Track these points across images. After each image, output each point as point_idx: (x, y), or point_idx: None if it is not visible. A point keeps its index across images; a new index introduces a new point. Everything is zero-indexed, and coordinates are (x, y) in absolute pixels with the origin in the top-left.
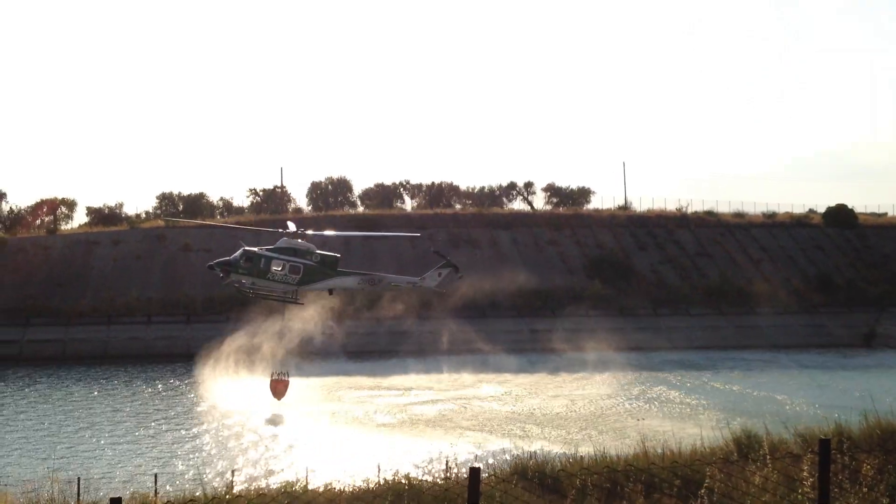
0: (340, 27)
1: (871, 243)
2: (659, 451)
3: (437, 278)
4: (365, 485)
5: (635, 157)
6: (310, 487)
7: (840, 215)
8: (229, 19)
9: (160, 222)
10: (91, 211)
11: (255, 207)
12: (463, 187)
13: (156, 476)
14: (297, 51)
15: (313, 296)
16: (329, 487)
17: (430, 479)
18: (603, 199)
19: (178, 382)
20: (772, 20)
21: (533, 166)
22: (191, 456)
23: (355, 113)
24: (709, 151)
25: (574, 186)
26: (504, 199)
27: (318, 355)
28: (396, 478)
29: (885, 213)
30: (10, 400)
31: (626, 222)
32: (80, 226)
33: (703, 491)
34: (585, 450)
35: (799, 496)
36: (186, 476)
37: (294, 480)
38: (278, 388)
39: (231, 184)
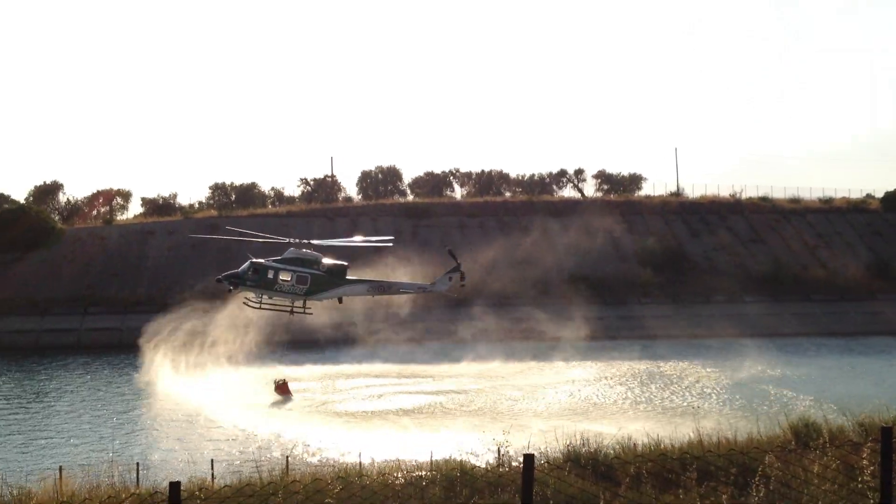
0: (391, 16)
1: None
2: (714, 438)
3: (447, 283)
4: (418, 471)
5: (687, 143)
6: (364, 473)
7: None
8: (282, 11)
9: (213, 212)
10: (146, 202)
11: (305, 197)
12: (513, 175)
13: (212, 461)
14: (348, 41)
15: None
16: (383, 473)
17: (483, 465)
18: (654, 186)
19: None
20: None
21: (583, 153)
22: (248, 441)
23: (405, 102)
24: (762, 134)
25: (625, 173)
26: (554, 187)
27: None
28: (449, 464)
29: None
30: (72, 386)
31: (679, 209)
32: (136, 216)
33: (758, 479)
34: (639, 437)
35: (859, 485)
36: (241, 461)
37: (349, 466)
38: (282, 389)
39: (282, 173)
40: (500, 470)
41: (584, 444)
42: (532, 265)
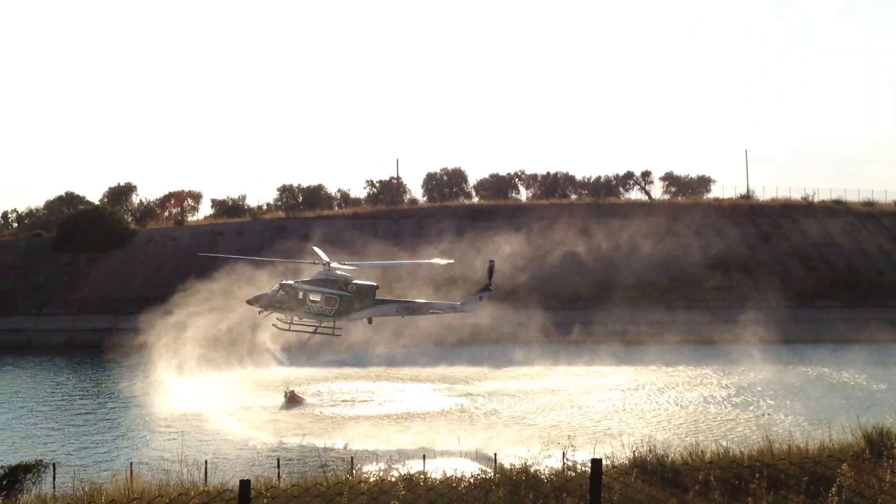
0: (457, 18)
1: None
2: (784, 446)
3: (478, 302)
4: (482, 475)
5: (758, 145)
6: (429, 476)
7: None
8: (347, 14)
9: (281, 213)
10: (216, 203)
11: (371, 198)
12: (578, 177)
13: (279, 460)
14: (414, 43)
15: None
16: (447, 477)
17: (548, 469)
18: (724, 189)
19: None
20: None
21: (650, 155)
22: (313, 441)
23: (471, 104)
24: (832, 134)
25: (693, 175)
26: (621, 189)
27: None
28: (514, 469)
29: None
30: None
31: (749, 212)
32: (206, 217)
33: (833, 489)
34: (707, 444)
35: None
36: (308, 461)
37: (413, 468)
38: (294, 399)
39: (349, 175)
40: (567, 474)
41: (650, 451)
42: (598, 268)
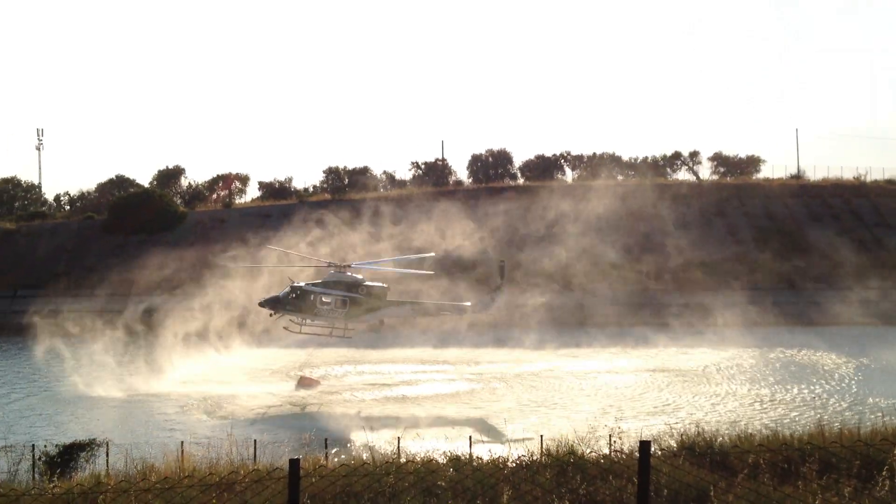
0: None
1: None
2: (836, 429)
3: (490, 303)
4: (528, 456)
5: (809, 124)
6: (475, 457)
7: None
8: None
9: (327, 196)
10: (262, 185)
11: (417, 180)
12: (625, 158)
13: (326, 440)
14: (459, 25)
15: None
16: (494, 458)
17: (594, 452)
18: (774, 168)
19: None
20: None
21: (699, 134)
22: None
23: (516, 84)
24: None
25: (742, 155)
26: (668, 170)
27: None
28: (560, 450)
29: None
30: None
31: (799, 192)
32: (253, 200)
33: (885, 472)
34: (756, 428)
35: None
36: (357, 441)
37: (459, 449)
38: (306, 382)
39: (394, 157)
40: (613, 456)
41: (699, 434)
42: (645, 250)
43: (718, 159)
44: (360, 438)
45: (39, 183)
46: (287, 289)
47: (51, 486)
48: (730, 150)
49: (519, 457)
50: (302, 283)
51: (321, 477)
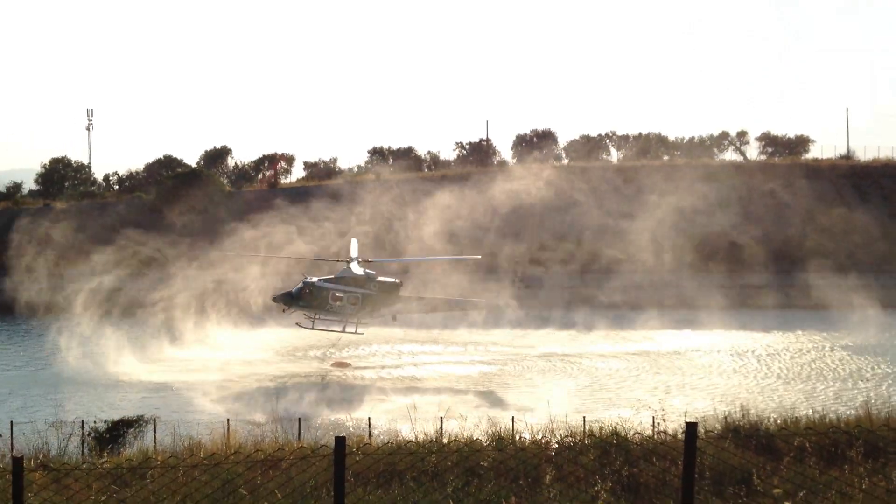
0: None
1: None
2: (883, 413)
3: (502, 300)
4: (571, 437)
5: (860, 103)
6: (518, 437)
7: None
8: None
9: (371, 176)
10: (308, 165)
11: (461, 160)
12: (671, 137)
13: (369, 420)
14: (504, 5)
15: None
16: (537, 439)
17: (637, 433)
18: (823, 149)
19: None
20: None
21: (746, 114)
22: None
23: (561, 63)
24: None
25: (791, 135)
26: (715, 150)
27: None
28: (603, 431)
29: None
30: None
31: (849, 172)
32: (298, 180)
33: None
34: (802, 411)
35: None
36: (399, 421)
37: (503, 429)
38: (340, 363)
39: (438, 137)
40: (657, 438)
41: (744, 416)
42: (691, 231)
43: (766, 139)
44: (402, 418)
45: (89, 163)
46: (300, 284)
47: (101, 461)
48: (778, 130)
49: (562, 437)
50: (314, 279)
51: (365, 455)
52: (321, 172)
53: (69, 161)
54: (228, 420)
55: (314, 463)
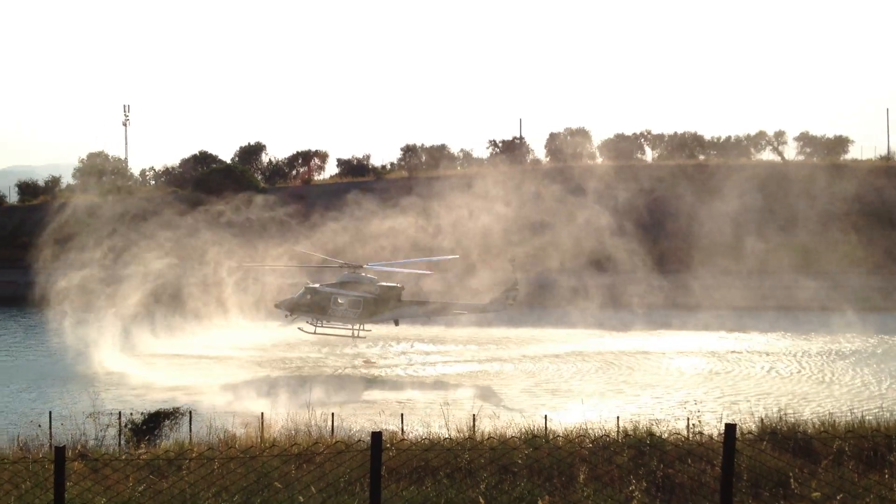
0: None
1: None
2: None
3: (503, 303)
4: (606, 437)
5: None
6: (552, 435)
7: None
8: None
9: (404, 173)
10: (341, 162)
11: (493, 159)
12: (707, 137)
13: (402, 416)
14: (538, 4)
15: None
16: (570, 438)
17: (673, 434)
18: (863, 150)
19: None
20: None
21: (784, 113)
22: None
23: (596, 62)
24: None
25: (830, 135)
26: (752, 150)
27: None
28: (638, 431)
29: None
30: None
31: (890, 173)
32: (331, 177)
33: None
34: (841, 415)
35: None
36: (432, 417)
37: (535, 427)
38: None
39: (471, 135)
40: (693, 439)
41: (781, 418)
42: (727, 231)
43: (805, 139)
44: (435, 414)
45: (126, 158)
46: (302, 290)
47: (138, 452)
48: (817, 130)
49: (596, 437)
50: (316, 285)
51: (401, 451)
52: (354, 169)
53: (106, 156)
54: (262, 413)
55: (347, 458)
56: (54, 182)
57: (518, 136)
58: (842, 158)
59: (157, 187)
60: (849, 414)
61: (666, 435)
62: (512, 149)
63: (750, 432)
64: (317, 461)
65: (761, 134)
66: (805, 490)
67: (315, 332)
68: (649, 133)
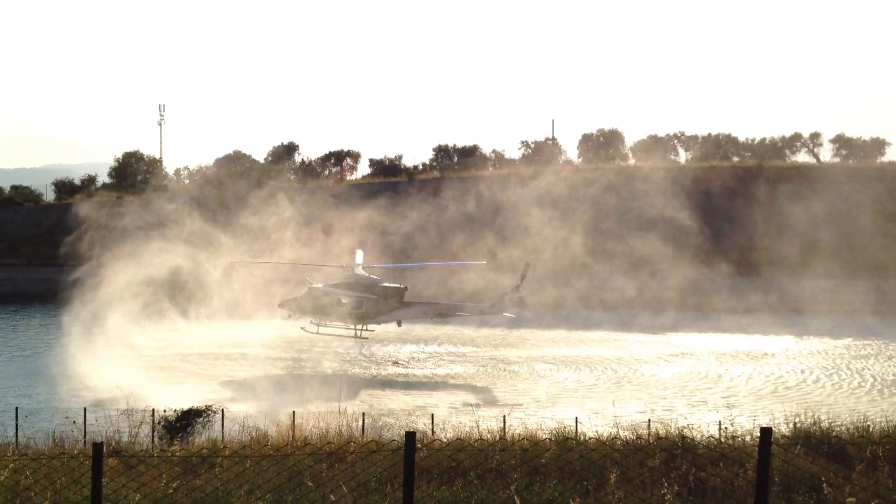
0: None
1: None
2: None
3: (506, 304)
4: (637, 440)
5: None
6: (583, 438)
7: None
8: None
9: (436, 173)
10: (373, 162)
11: (525, 159)
12: (742, 138)
13: (432, 416)
14: (571, 5)
15: None
16: (602, 441)
17: (705, 437)
18: None
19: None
20: None
21: (820, 115)
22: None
23: (628, 62)
24: None
25: (866, 137)
26: (787, 152)
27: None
28: (669, 434)
29: None
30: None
31: None
32: (363, 177)
33: None
34: (876, 420)
35: None
36: (463, 417)
37: (566, 429)
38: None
39: (503, 136)
40: (725, 443)
41: (814, 423)
42: (762, 235)
43: (840, 141)
44: (466, 414)
45: (160, 157)
46: (304, 290)
47: (172, 449)
48: (853, 132)
49: (626, 439)
50: (319, 285)
51: (433, 451)
52: (386, 169)
53: (141, 155)
54: (294, 412)
55: (379, 458)
56: (90, 181)
57: (550, 136)
58: (878, 160)
59: (192, 186)
60: (884, 420)
61: (701, 437)
62: (544, 149)
63: (784, 436)
64: (348, 460)
65: (796, 136)
66: (839, 495)
67: (318, 332)
68: (683, 134)
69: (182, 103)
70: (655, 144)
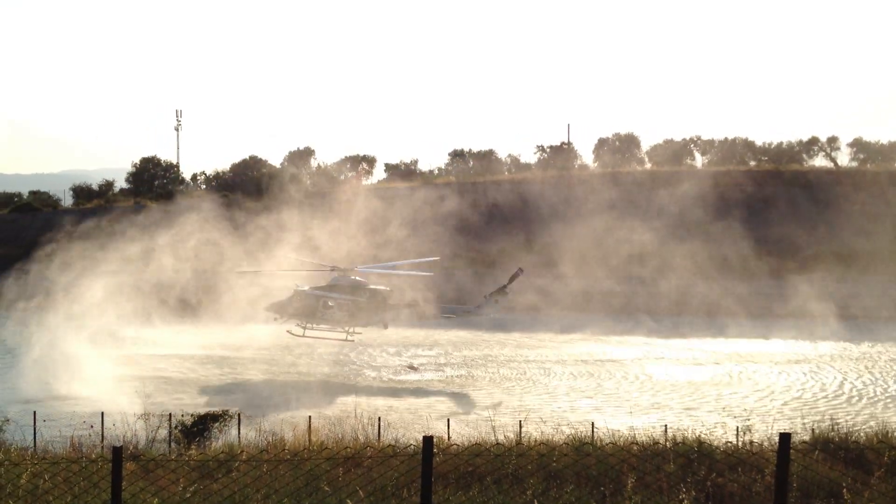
0: None
1: None
2: None
3: (493, 305)
4: (653, 445)
5: None
6: (599, 443)
7: None
8: None
9: (452, 178)
10: (389, 167)
11: (541, 164)
12: (759, 143)
13: (448, 420)
14: (585, 7)
15: None
16: (618, 446)
17: (722, 443)
18: None
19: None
20: None
21: (837, 119)
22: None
23: (644, 66)
24: None
25: (884, 141)
26: (804, 156)
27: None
28: (686, 440)
29: None
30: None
31: None
32: (380, 181)
33: None
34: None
35: None
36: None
37: (582, 434)
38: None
39: (519, 141)
40: (743, 449)
41: (832, 428)
42: (778, 240)
43: (858, 145)
44: (481, 420)
45: (177, 162)
46: (291, 293)
47: (189, 453)
48: (871, 136)
49: (643, 445)
50: (306, 287)
51: (450, 456)
52: (402, 173)
53: (159, 160)
54: (310, 417)
55: (395, 463)
56: (108, 186)
57: (566, 141)
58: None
59: (209, 191)
60: None
61: (720, 442)
62: (560, 154)
63: (803, 442)
64: (365, 465)
65: (814, 140)
66: (858, 501)
67: (304, 335)
68: (699, 139)
69: (199, 109)
70: (672, 148)
